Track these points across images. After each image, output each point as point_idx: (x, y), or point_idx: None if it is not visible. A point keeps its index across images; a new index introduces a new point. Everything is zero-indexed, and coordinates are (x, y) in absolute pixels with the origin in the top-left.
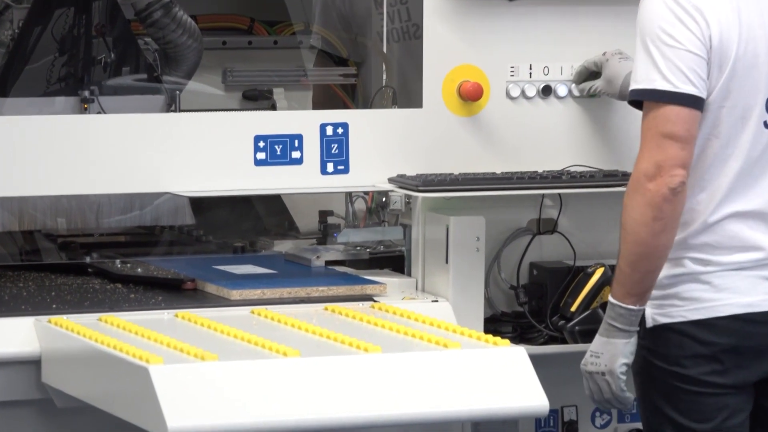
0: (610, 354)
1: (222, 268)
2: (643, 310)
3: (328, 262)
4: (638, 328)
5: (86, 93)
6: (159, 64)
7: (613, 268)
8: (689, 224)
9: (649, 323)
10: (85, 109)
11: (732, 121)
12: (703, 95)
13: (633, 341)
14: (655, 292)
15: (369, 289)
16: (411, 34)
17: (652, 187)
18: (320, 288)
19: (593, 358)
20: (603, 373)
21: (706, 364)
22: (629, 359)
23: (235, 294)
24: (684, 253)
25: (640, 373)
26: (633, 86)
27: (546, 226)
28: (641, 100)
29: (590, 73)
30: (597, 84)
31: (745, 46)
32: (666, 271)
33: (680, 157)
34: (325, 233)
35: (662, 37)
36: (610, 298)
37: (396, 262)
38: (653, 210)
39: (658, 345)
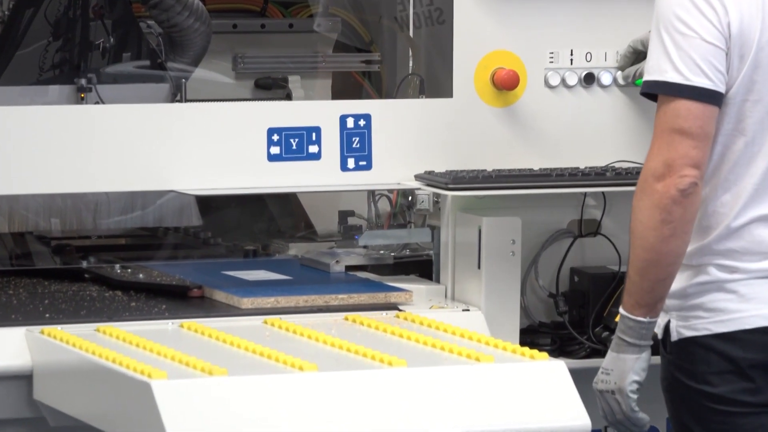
0: (620, 371)
1: (232, 273)
2: (654, 323)
3: (348, 268)
4: (650, 342)
5: (83, 81)
6: (163, 50)
7: None
8: (713, 228)
9: (674, 337)
10: (82, 98)
11: (758, 116)
12: (720, 89)
13: (644, 357)
14: (679, 303)
15: (393, 297)
16: (434, 19)
17: (660, 188)
18: (340, 296)
19: (604, 375)
20: (613, 392)
21: (736, 382)
22: (640, 376)
23: (246, 302)
24: (708, 260)
25: (669, 391)
26: (645, 77)
27: (588, 228)
28: (651, 92)
29: (637, 56)
30: (643, 68)
31: None
32: (690, 279)
33: (691, 156)
34: (345, 235)
35: (676, 24)
36: (620, 310)
37: (423, 268)
38: (661, 213)
39: (684, 360)
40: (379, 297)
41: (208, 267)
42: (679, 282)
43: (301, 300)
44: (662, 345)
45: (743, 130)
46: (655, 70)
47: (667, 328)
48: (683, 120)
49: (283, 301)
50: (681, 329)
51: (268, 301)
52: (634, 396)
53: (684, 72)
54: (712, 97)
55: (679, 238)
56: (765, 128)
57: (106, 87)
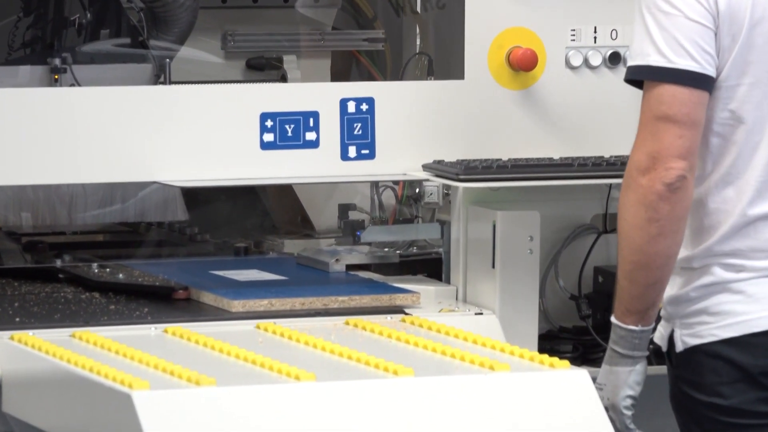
0: (612, 385)
1: (221, 273)
2: (649, 332)
3: (349, 267)
4: (645, 353)
5: (57, 61)
6: (145, 26)
7: None
8: (716, 227)
9: (679, 347)
10: (56, 80)
11: (756, 101)
12: (709, 72)
13: (639, 369)
14: (681, 309)
15: (399, 300)
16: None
17: (645, 182)
18: (340, 298)
19: (597, 390)
20: (606, 408)
21: (749, 391)
22: (635, 390)
23: (237, 305)
24: (712, 260)
25: (678, 410)
26: (628, 62)
27: (614, 223)
28: (635, 79)
29: None
30: None
31: (763, 10)
32: (692, 282)
33: (677, 146)
34: (345, 231)
35: (658, 2)
36: (612, 318)
37: (432, 267)
38: (647, 210)
39: (691, 372)
40: (383, 299)
41: (195, 266)
42: (680, 286)
43: (297, 302)
44: (667, 358)
45: (741, 117)
46: (637, 54)
47: (671, 339)
48: (667, 107)
49: (278, 303)
50: (685, 338)
51: (261, 304)
52: (629, 412)
53: (667, 54)
54: (699, 81)
55: (668, 238)
56: (765, 115)
57: (83, 67)
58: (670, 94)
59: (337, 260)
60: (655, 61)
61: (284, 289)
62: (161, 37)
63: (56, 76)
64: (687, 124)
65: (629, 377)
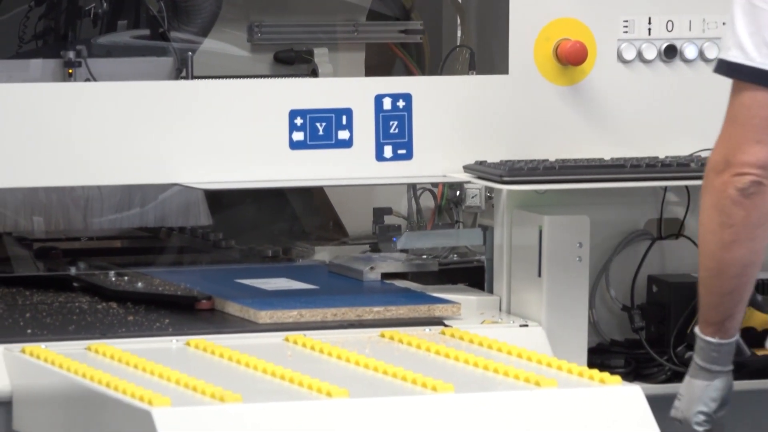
0: (688, 398)
1: (247, 282)
2: (730, 346)
3: (384, 275)
4: (725, 368)
5: (71, 54)
6: (166, 17)
7: (764, 282)
8: None
9: None
10: (70, 74)
11: None
12: None
13: (716, 385)
14: None
15: (438, 310)
16: None
17: (718, 185)
18: (375, 309)
19: (676, 401)
20: (680, 421)
21: None
22: (709, 407)
23: (264, 316)
24: None
25: None
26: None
27: (669, 229)
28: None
29: None
30: None
31: None
32: None
33: (753, 151)
34: (381, 237)
35: None
36: (695, 327)
37: (473, 275)
38: (720, 214)
39: None
40: (421, 310)
41: (219, 274)
42: None
43: (328, 313)
44: None
45: None
46: (722, 46)
47: None
48: (746, 108)
49: (308, 314)
50: None
51: (290, 315)
52: (700, 429)
53: (749, 51)
54: None
55: (743, 246)
56: None
57: (98, 61)
58: (750, 94)
59: (372, 268)
60: (735, 56)
61: (315, 299)
62: (183, 28)
63: (70, 71)
64: (765, 129)
65: (705, 392)
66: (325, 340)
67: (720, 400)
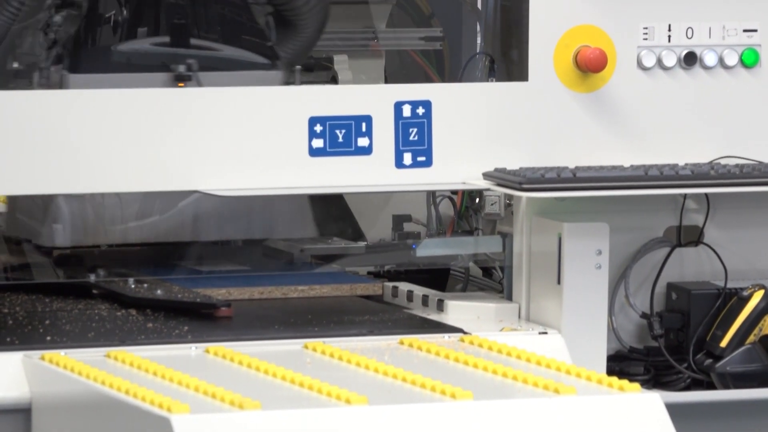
0: None
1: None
2: None
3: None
4: None
5: (181, 68)
6: (274, 30)
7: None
8: None
9: None
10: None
11: None
12: None
13: None
14: None
15: (360, 289)
16: None
17: None
18: (300, 287)
19: None
20: None
21: None
22: None
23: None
24: None
25: None
26: None
27: (689, 236)
28: None
29: None
30: None
31: None
32: None
33: None
34: (400, 244)
35: None
36: None
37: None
38: None
39: None
40: (344, 288)
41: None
42: None
43: (255, 291)
44: None
45: None
46: None
47: None
48: None
49: (236, 292)
50: None
51: (219, 293)
52: None
53: None
54: None
55: None
56: None
57: (210, 75)
58: None
59: (302, 251)
60: None
61: (245, 278)
62: (289, 41)
63: (181, 84)
64: None
65: None
66: (344, 347)
67: None
